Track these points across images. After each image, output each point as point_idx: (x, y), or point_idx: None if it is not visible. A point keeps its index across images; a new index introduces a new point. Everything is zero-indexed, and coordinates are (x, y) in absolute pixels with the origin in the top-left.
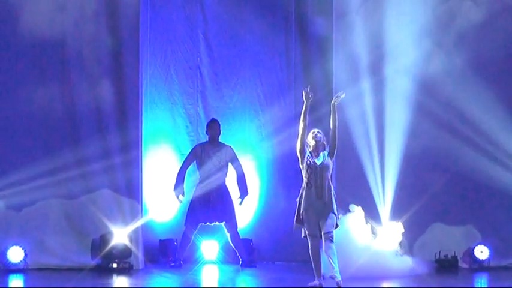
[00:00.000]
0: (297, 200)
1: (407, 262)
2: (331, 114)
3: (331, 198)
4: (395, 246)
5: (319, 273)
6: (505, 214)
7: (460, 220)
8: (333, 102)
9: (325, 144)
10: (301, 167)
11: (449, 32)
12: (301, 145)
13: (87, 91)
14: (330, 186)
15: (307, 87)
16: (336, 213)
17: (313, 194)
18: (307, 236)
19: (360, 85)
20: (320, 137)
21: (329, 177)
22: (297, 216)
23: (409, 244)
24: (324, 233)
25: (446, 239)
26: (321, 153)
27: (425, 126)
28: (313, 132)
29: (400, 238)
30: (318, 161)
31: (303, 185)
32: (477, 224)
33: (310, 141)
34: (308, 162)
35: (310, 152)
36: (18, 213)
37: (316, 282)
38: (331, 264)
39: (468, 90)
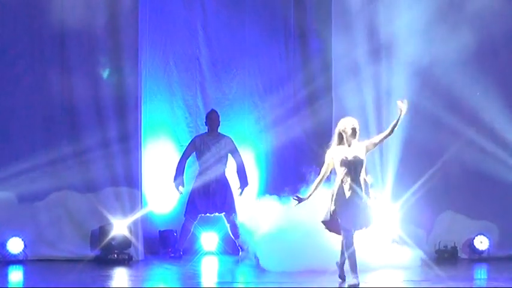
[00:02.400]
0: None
1: (403, 251)
2: (396, 121)
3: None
4: (392, 235)
5: (354, 269)
6: (505, 204)
7: (460, 210)
8: (401, 112)
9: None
10: (334, 167)
11: (446, 20)
12: (327, 172)
13: (86, 82)
14: (365, 181)
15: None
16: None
17: (348, 189)
18: (343, 232)
19: (359, 75)
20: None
21: (364, 172)
22: (327, 214)
23: (407, 234)
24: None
25: (447, 229)
26: (354, 147)
27: (424, 115)
28: (353, 127)
29: (397, 226)
30: (350, 155)
31: (337, 181)
32: (477, 214)
33: (347, 130)
34: (340, 158)
35: (337, 147)
36: (17, 204)
37: (355, 282)
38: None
39: (466, 77)
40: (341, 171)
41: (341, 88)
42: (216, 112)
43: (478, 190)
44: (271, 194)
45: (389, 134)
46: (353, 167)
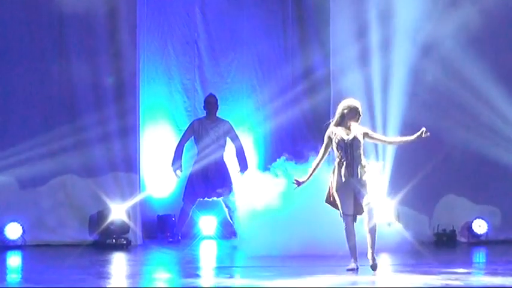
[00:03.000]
0: (329, 178)
1: (399, 233)
2: (404, 139)
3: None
4: (389, 218)
5: (354, 255)
6: (503, 188)
7: (459, 194)
8: (415, 138)
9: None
10: (332, 147)
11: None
12: (326, 151)
13: (85, 66)
14: (363, 163)
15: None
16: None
17: (345, 172)
18: (342, 216)
19: (357, 55)
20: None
21: (361, 153)
22: (327, 196)
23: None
24: (364, 206)
25: (445, 212)
26: (353, 128)
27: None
28: (357, 109)
29: (394, 210)
30: (348, 137)
31: (334, 164)
32: (475, 198)
33: (349, 111)
34: (336, 140)
35: (335, 128)
36: (15, 189)
37: (353, 266)
38: (368, 246)
39: (467, 59)
40: (338, 153)
41: (340, 70)
42: (215, 96)
43: (479, 173)
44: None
45: (389, 143)
46: (350, 149)
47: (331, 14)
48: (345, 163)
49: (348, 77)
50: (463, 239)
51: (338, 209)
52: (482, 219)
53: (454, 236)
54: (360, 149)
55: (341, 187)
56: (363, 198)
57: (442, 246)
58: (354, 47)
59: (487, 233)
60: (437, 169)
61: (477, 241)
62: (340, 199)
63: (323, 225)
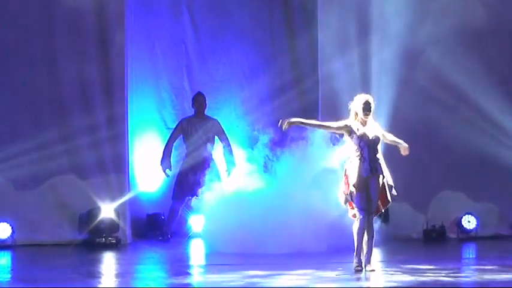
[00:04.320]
0: (344, 173)
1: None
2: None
3: (384, 171)
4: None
5: (360, 254)
6: (493, 184)
7: (448, 190)
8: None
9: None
10: (347, 139)
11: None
12: (333, 128)
13: (73, 66)
14: (382, 160)
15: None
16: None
17: (367, 168)
18: (358, 211)
19: (345, 56)
20: (371, 108)
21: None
22: (345, 191)
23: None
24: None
25: (441, 209)
26: (371, 126)
27: (410, 97)
28: (366, 102)
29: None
30: (371, 134)
31: (353, 159)
32: (465, 193)
33: (360, 111)
34: (360, 135)
35: (354, 122)
36: (4, 189)
37: (359, 266)
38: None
39: (455, 59)
40: (359, 148)
41: (328, 68)
42: (203, 94)
43: (465, 170)
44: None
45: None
46: (372, 146)
47: (319, 9)
48: (368, 159)
49: (335, 72)
50: (452, 235)
51: (348, 206)
52: (472, 215)
53: (444, 232)
54: (379, 147)
55: (360, 182)
56: (381, 196)
57: (431, 242)
58: (341, 41)
59: (476, 228)
60: (433, 165)
61: (467, 237)
62: (358, 194)
63: (295, 224)
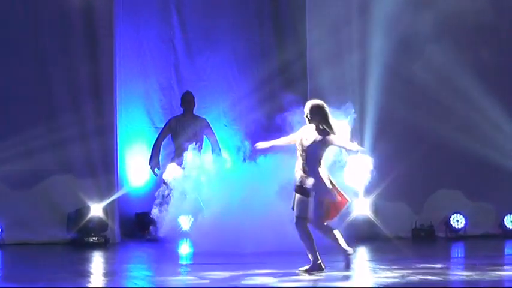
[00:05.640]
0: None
1: None
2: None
3: (318, 181)
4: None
5: (314, 253)
6: (481, 183)
7: (437, 189)
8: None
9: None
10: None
11: None
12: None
13: (62, 67)
14: (318, 171)
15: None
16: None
17: (298, 177)
18: (294, 218)
19: (333, 50)
20: (305, 117)
21: (317, 162)
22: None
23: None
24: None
25: (429, 207)
26: (313, 135)
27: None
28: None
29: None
30: (307, 142)
31: (323, 166)
32: (454, 193)
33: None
34: (299, 140)
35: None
36: None
37: (313, 265)
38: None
39: (453, 58)
40: (297, 154)
41: (316, 65)
42: (191, 94)
43: (455, 169)
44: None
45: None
46: (304, 155)
47: (307, 9)
48: (300, 167)
49: (324, 72)
50: (441, 234)
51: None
52: (460, 214)
53: (433, 231)
54: (315, 159)
55: (296, 190)
56: (311, 204)
57: (420, 241)
58: (329, 42)
59: (464, 227)
60: (412, 163)
61: (455, 236)
62: (295, 200)
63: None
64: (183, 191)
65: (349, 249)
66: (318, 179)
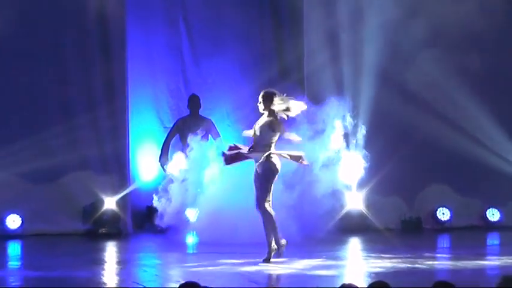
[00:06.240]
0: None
1: None
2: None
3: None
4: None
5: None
6: (468, 179)
7: (424, 183)
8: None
9: (272, 121)
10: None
11: None
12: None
13: (80, 72)
14: (263, 156)
15: None
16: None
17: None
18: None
19: (329, 57)
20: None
21: (266, 146)
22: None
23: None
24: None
25: (415, 201)
26: (262, 121)
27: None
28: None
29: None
30: (257, 127)
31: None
32: (439, 187)
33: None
34: (253, 128)
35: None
36: (15, 183)
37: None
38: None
39: (435, 57)
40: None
41: (313, 71)
42: (197, 96)
43: (441, 165)
44: None
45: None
46: (255, 139)
47: (305, 18)
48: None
49: (320, 76)
50: (428, 226)
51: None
52: (446, 207)
53: (420, 223)
54: (261, 143)
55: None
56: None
57: (409, 232)
58: (325, 48)
59: (450, 219)
60: (401, 161)
61: (441, 227)
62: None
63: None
64: (185, 181)
65: (284, 241)
66: (266, 163)
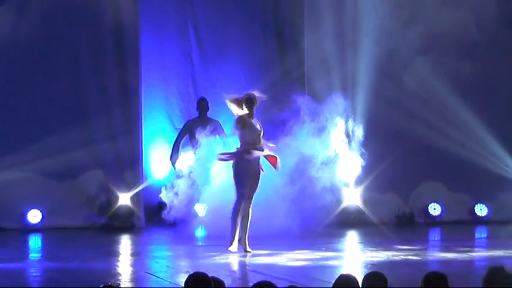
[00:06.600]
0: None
1: None
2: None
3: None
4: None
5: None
6: (459, 176)
7: (417, 181)
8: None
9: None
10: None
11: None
12: None
13: (96, 77)
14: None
15: None
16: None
17: None
18: (243, 196)
19: (328, 61)
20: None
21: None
22: None
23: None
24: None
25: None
26: (255, 121)
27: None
28: None
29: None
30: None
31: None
32: (432, 183)
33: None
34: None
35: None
36: (36, 181)
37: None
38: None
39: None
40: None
41: (313, 74)
42: (205, 99)
43: (432, 162)
44: None
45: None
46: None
47: (305, 25)
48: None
49: (320, 79)
50: (420, 221)
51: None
52: (437, 203)
53: (413, 218)
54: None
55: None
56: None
57: (402, 226)
58: (325, 52)
59: (441, 214)
60: (397, 159)
61: (433, 222)
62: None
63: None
64: (192, 176)
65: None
66: (237, 161)
